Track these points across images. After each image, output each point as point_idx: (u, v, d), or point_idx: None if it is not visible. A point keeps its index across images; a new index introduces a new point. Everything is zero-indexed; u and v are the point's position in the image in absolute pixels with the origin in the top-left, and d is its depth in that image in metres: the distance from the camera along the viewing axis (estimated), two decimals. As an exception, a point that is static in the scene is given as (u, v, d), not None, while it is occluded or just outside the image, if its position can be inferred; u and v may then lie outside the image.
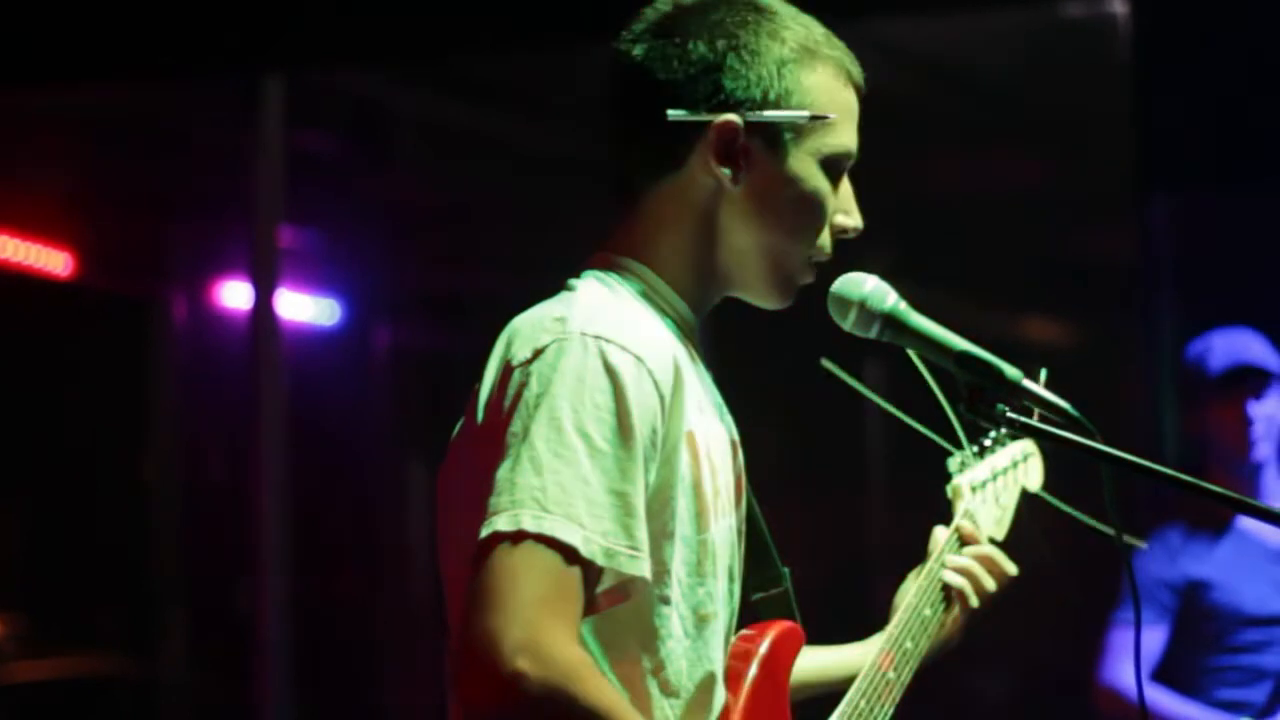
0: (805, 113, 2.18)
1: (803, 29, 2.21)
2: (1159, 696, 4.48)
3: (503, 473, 2.01)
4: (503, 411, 2.05)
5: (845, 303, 2.25)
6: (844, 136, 2.22)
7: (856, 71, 2.25)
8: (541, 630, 1.94)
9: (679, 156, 2.18)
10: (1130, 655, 4.48)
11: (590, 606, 2.01)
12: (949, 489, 2.60)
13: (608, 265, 2.21)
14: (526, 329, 2.11)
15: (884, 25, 6.04)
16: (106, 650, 7.09)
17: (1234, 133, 5.45)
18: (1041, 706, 6.11)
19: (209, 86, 6.84)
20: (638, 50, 2.20)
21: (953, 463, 2.62)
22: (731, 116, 2.17)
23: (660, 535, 2.08)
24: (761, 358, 4.85)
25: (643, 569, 2.03)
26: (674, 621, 2.11)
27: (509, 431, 2.03)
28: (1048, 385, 2.28)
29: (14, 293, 6.87)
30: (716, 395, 2.24)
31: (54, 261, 7.05)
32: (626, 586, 2.04)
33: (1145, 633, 4.47)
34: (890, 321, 2.24)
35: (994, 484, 2.65)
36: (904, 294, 2.25)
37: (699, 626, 2.14)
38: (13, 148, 6.82)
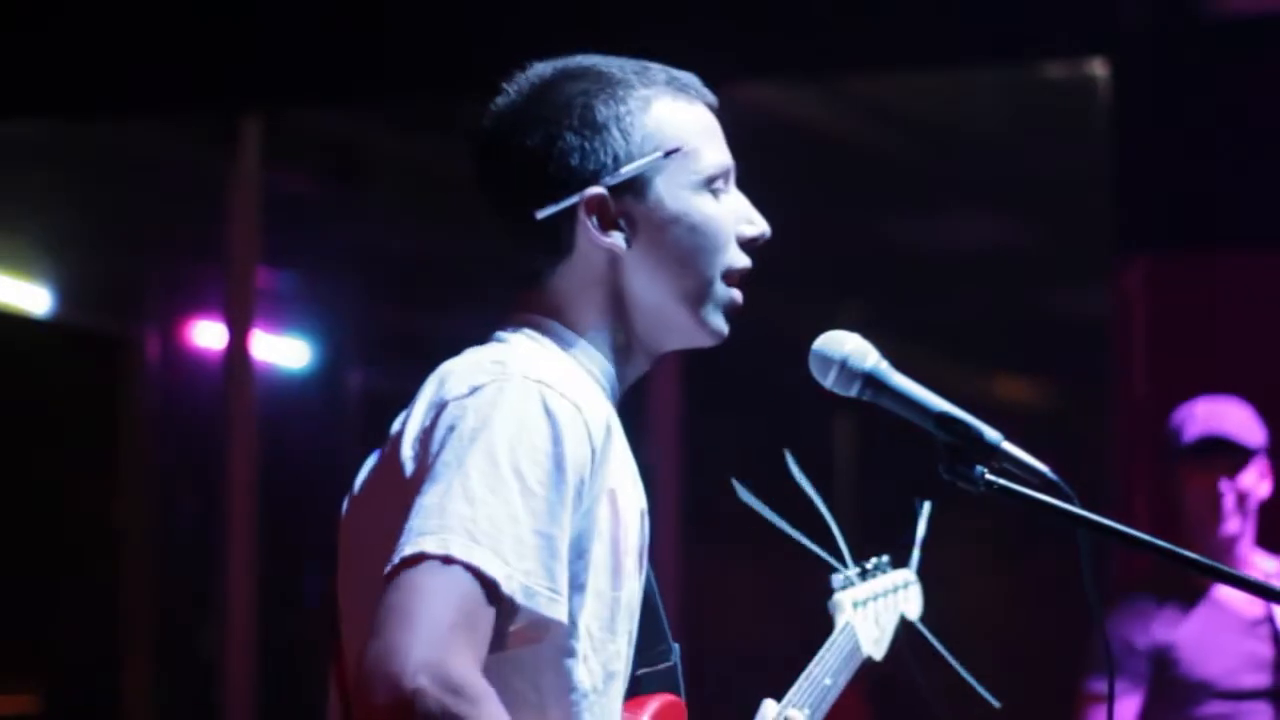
0: (659, 153, 2.18)
1: (633, 75, 2.21)
2: None
3: (431, 499, 1.99)
4: (434, 443, 2.04)
5: (827, 361, 2.24)
6: (711, 154, 2.22)
7: (699, 87, 2.24)
8: (448, 653, 1.91)
9: (568, 242, 2.19)
10: None
11: (499, 643, 1.98)
12: (830, 603, 2.65)
13: (532, 325, 2.21)
14: (462, 369, 2.11)
15: (866, 83, 6.07)
16: (72, 691, 7.04)
17: (1209, 195, 5.47)
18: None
19: (186, 125, 6.84)
20: (484, 168, 2.21)
21: (837, 579, 2.66)
22: (593, 189, 2.17)
23: (571, 586, 2.05)
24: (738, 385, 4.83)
25: (560, 613, 2.01)
26: (581, 674, 2.09)
27: (440, 460, 2.01)
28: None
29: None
30: (634, 463, 2.21)
31: (29, 298, 7.02)
32: (539, 628, 2.01)
33: (1120, 700, 4.44)
34: (871, 381, 2.23)
35: (875, 604, 2.70)
36: (879, 349, 2.25)
37: (607, 682, 2.12)
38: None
